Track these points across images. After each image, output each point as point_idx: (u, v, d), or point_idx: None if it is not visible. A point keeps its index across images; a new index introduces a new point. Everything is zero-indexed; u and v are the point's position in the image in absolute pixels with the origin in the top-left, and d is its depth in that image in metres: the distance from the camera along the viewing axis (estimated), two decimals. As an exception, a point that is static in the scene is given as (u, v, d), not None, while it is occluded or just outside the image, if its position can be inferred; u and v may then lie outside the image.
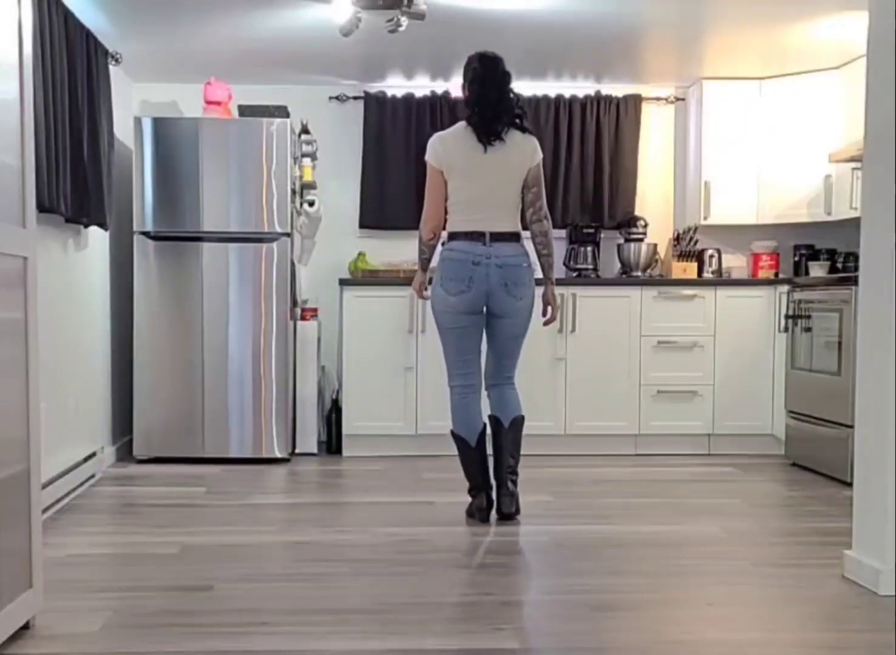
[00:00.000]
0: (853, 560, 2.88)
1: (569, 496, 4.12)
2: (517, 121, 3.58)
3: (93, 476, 4.35)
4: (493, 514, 3.64)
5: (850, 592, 2.77)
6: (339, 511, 3.89)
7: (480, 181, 3.54)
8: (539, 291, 3.71)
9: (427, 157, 3.63)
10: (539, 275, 3.71)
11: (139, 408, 4.85)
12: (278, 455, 4.88)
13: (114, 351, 4.92)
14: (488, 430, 3.70)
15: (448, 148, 3.58)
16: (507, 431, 3.66)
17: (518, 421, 3.69)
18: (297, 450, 5.09)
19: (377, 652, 2.29)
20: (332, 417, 5.24)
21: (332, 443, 5.22)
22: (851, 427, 3.46)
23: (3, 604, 2.20)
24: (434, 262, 3.73)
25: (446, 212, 3.63)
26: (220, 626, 2.45)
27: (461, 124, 3.62)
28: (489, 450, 3.68)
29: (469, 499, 3.69)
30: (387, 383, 5.10)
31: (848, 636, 2.44)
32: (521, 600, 2.71)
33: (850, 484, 3.59)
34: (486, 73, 3.54)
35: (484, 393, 3.72)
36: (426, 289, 3.78)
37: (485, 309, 3.61)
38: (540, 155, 3.62)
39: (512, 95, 3.59)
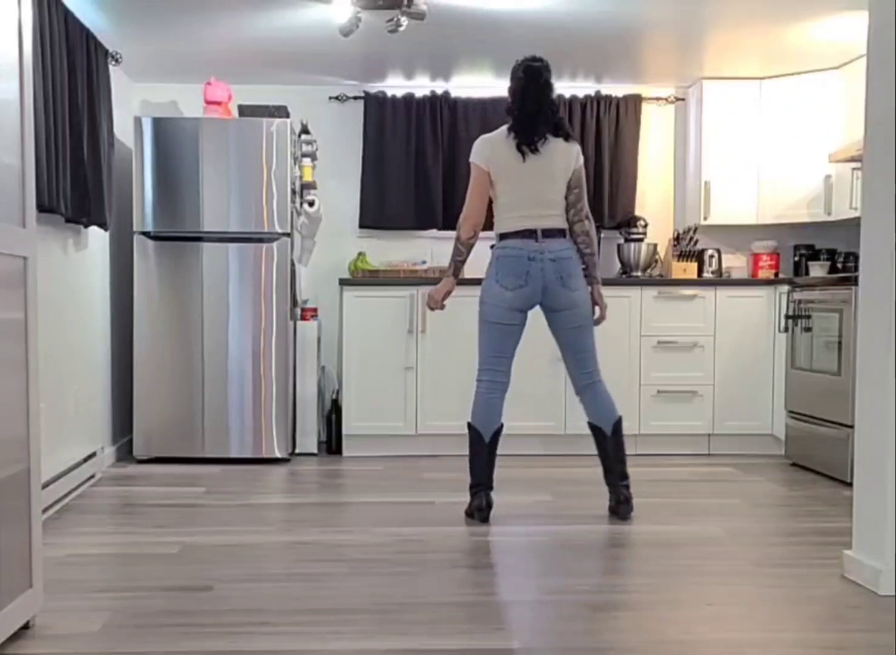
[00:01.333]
0: (853, 560, 2.88)
1: (569, 496, 4.12)
2: (558, 130, 3.68)
3: (93, 476, 4.35)
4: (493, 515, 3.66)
5: (850, 592, 2.78)
6: (339, 511, 3.89)
7: (525, 185, 3.65)
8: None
9: (473, 158, 3.71)
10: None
11: (139, 408, 4.85)
12: (278, 455, 4.88)
13: (114, 351, 4.92)
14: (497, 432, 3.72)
15: (494, 151, 3.68)
16: (610, 439, 3.72)
17: (618, 426, 3.74)
18: (297, 450, 5.09)
19: (377, 652, 2.29)
20: (332, 417, 5.24)
21: (332, 443, 5.22)
22: (851, 427, 3.46)
23: (3, 604, 2.20)
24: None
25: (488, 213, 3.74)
26: (220, 626, 2.45)
27: (504, 129, 3.71)
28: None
29: (468, 499, 3.69)
30: (387, 383, 5.10)
31: (848, 636, 2.44)
32: (521, 600, 2.71)
33: (850, 484, 3.59)
34: (528, 84, 3.65)
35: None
36: (441, 300, 3.82)
37: (539, 307, 3.70)
38: (582, 158, 3.74)
39: (552, 105, 3.70)
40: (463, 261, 3.77)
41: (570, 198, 3.70)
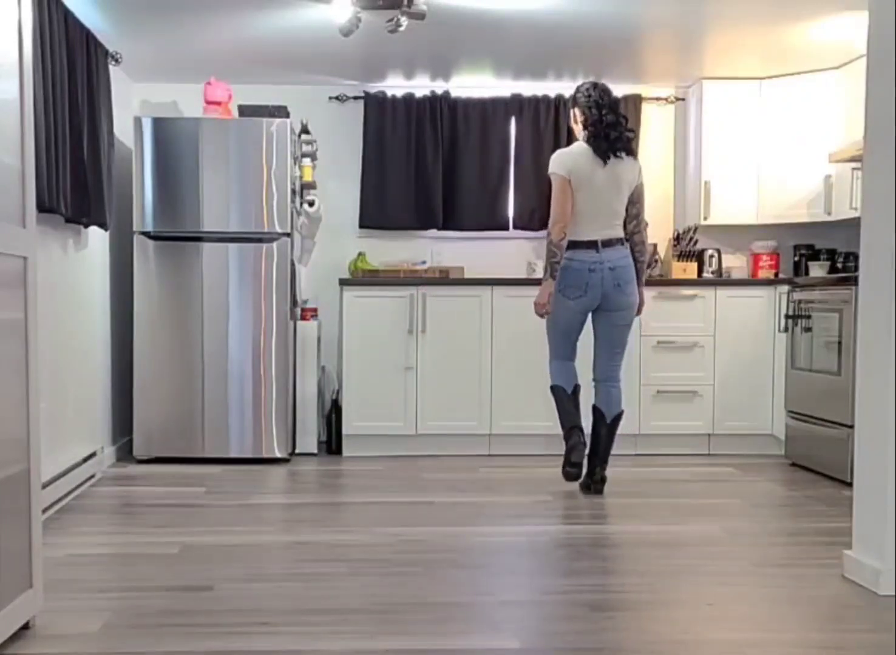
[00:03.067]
0: (853, 560, 2.88)
1: (569, 496, 4.12)
2: (629, 142, 4.08)
3: (93, 476, 4.35)
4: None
5: (850, 592, 2.78)
6: (339, 511, 3.89)
7: (597, 194, 4.01)
8: None
9: (556, 169, 4.02)
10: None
11: (139, 408, 4.85)
12: (278, 455, 4.88)
13: (114, 351, 4.92)
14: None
15: (575, 163, 4.01)
16: (608, 425, 4.16)
17: (618, 417, 4.20)
18: (297, 450, 5.09)
19: (377, 652, 2.29)
20: (332, 417, 5.24)
21: (332, 443, 5.22)
22: (851, 427, 3.46)
23: (3, 604, 2.20)
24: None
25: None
26: (220, 626, 2.45)
27: (580, 144, 4.07)
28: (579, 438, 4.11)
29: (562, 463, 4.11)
30: (387, 383, 5.10)
31: (848, 636, 2.44)
32: (521, 600, 2.71)
33: (850, 484, 3.59)
34: (602, 99, 4.03)
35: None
36: (548, 302, 4.08)
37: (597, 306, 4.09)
38: (643, 175, 4.15)
39: (627, 120, 4.15)
40: (558, 262, 4.03)
41: (632, 211, 4.11)
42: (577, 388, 4.17)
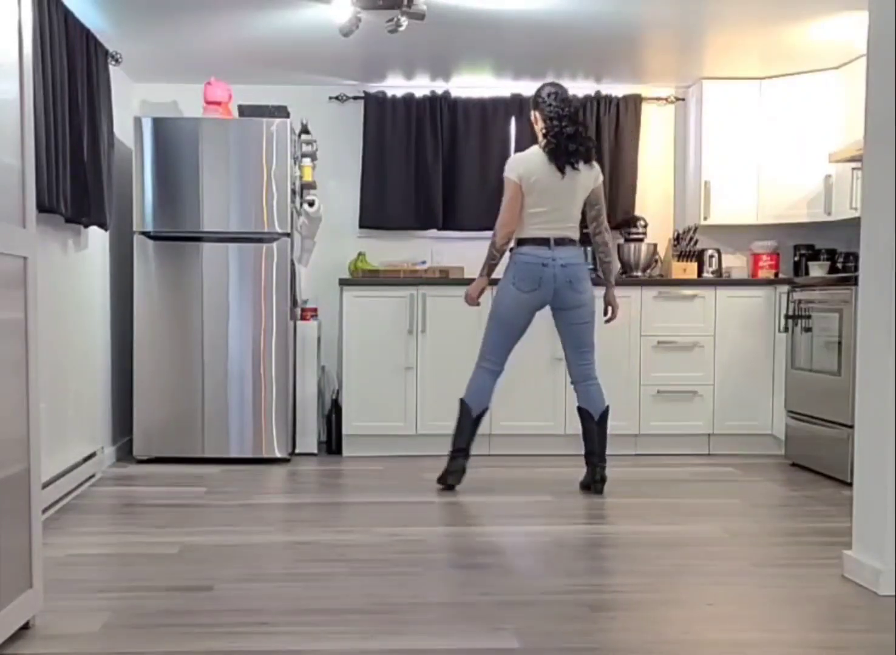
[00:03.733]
0: (853, 560, 2.88)
1: (569, 496, 4.12)
2: (587, 151, 4.09)
3: (93, 476, 4.35)
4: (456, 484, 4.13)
5: (850, 592, 2.78)
6: (339, 511, 3.89)
7: (554, 200, 4.06)
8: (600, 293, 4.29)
9: (508, 174, 4.09)
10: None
11: (139, 408, 4.85)
12: (278, 455, 4.88)
13: (114, 351, 4.92)
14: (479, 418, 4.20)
15: (528, 169, 4.06)
16: (597, 423, 4.18)
17: (605, 413, 4.21)
18: (297, 450, 5.09)
19: (377, 652, 2.29)
20: (332, 417, 5.24)
21: (332, 443, 5.22)
22: (851, 427, 3.46)
23: (3, 604, 2.20)
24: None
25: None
26: (220, 626, 2.45)
27: (536, 149, 4.10)
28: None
29: (444, 485, 4.16)
30: (387, 383, 5.10)
31: (848, 636, 2.44)
32: (521, 600, 2.71)
33: (850, 484, 3.59)
34: (562, 109, 4.06)
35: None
36: (477, 297, 4.24)
37: (549, 307, 4.15)
38: (601, 177, 4.19)
39: (587, 129, 4.24)
40: (496, 264, 4.17)
41: (592, 214, 4.18)
42: (483, 413, 4.19)
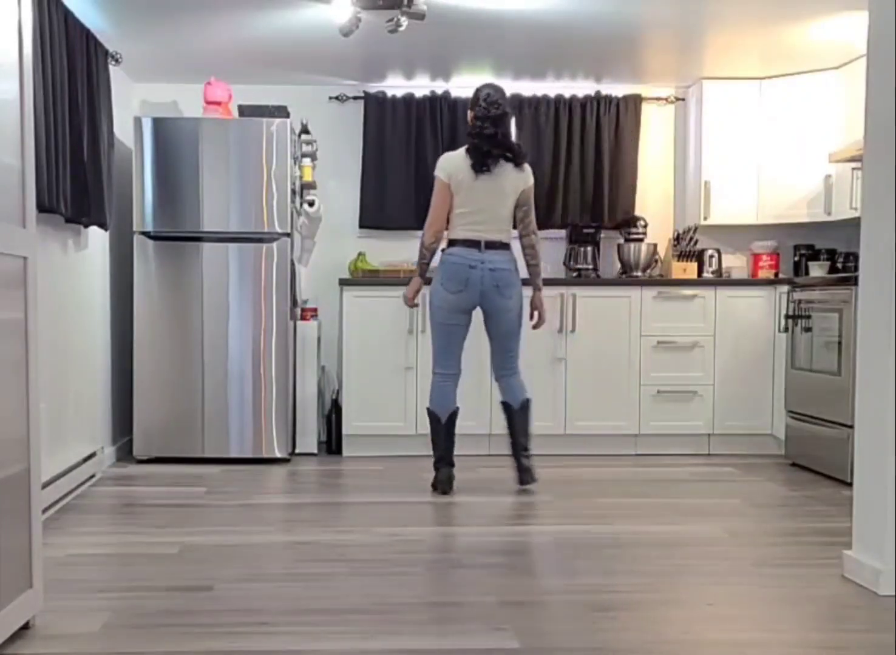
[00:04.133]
0: (853, 560, 2.88)
1: (569, 496, 4.12)
2: (509, 155, 4.05)
3: (93, 476, 4.35)
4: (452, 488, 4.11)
5: (850, 592, 2.78)
6: (339, 511, 3.89)
7: (478, 199, 4.05)
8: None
9: (437, 172, 4.10)
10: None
11: (139, 408, 4.85)
12: (278, 455, 4.88)
13: (114, 351, 4.92)
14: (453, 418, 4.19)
15: (455, 168, 4.06)
16: (518, 412, 4.16)
17: (526, 404, 4.18)
18: (297, 450, 5.09)
19: (377, 652, 2.29)
20: (332, 417, 5.24)
21: (332, 443, 5.22)
22: (851, 427, 3.46)
23: (3, 604, 2.20)
24: (433, 266, 4.19)
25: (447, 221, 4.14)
26: (220, 626, 2.45)
27: (463, 149, 4.10)
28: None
29: (444, 493, 4.11)
30: (387, 383, 5.10)
31: (848, 636, 2.44)
32: (521, 600, 2.71)
33: (850, 484, 3.59)
34: (488, 113, 4.03)
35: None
36: (415, 297, 4.24)
37: (479, 308, 4.12)
38: (532, 180, 4.16)
39: (508, 133, 4.11)
40: (427, 263, 4.17)
41: (519, 215, 4.14)
42: (454, 415, 4.17)
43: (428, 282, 4.21)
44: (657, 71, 5.37)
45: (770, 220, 5.42)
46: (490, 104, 4.04)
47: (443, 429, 4.16)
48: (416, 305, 4.30)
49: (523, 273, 4.17)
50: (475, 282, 4.03)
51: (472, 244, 4.04)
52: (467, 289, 4.04)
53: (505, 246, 4.09)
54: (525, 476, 4.14)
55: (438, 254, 4.14)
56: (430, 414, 4.19)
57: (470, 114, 4.15)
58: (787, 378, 4.98)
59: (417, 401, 5.09)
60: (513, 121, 4.17)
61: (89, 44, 4.13)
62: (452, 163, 4.07)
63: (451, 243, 4.09)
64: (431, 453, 4.22)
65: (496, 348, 4.19)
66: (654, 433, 5.19)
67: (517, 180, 4.08)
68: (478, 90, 4.12)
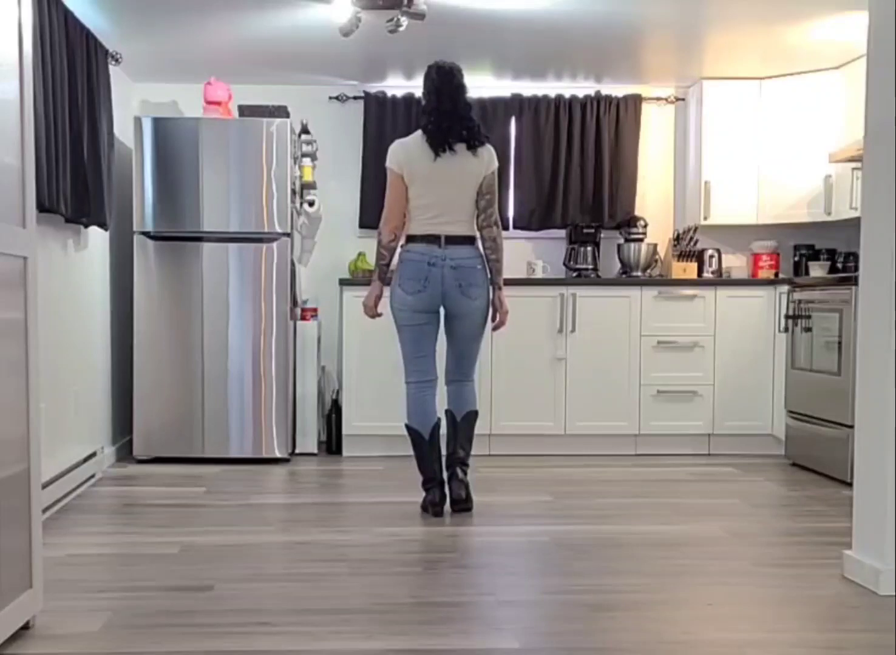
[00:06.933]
0: (853, 560, 2.88)
1: (569, 496, 4.12)
2: (467, 133, 3.67)
3: (93, 476, 4.35)
4: (447, 508, 3.78)
5: (850, 592, 2.78)
6: (339, 511, 3.89)
7: (435, 188, 3.66)
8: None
9: (388, 163, 3.71)
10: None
11: (139, 408, 4.85)
12: (278, 455, 4.88)
13: (114, 351, 4.92)
14: (443, 427, 3.82)
15: (408, 155, 3.68)
16: (460, 423, 3.80)
17: (470, 416, 3.83)
18: (297, 450, 5.09)
19: (377, 652, 2.29)
20: (332, 417, 5.24)
21: (332, 443, 5.22)
22: (851, 427, 3.46)
23: (3, 604, 2.20)
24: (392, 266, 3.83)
25: (405, 216, 3.76)
26: (220, 626, 2.45)
27: (419, 132, 3.72)
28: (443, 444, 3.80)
29: (423, 495, 3.80)
30: (387, 383, 5.09)
31: (848, 636, 2.44)
32: (521, 600, 2.71)
33: (850, 484, 3.59)
34: (442, 85, 3.67)
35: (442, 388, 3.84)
36: (376, 305, 3.83)
37: (441, 309, 3.74)
38: (495, 164, 3.75)
39: (468, 107, 3.71)
40: (387, 265, 3.79)
41: (481, 204, 3.73)
42: (436, 428, 3.74)
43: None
44: (657, 71, 5.37)
45: (770, 220, 5.42)
46: (445, 75, 3.68)
47: (426, 446, 3.73)
48: (380, 315, 3.83)
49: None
50: (436, 281, 3.63)
51: (432, 239, 3.64)
52: (427, 289, 3.64)
53: (468, 240, 3.70)
54: (457, 487, 3.72)
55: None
56: (411, 431, 3.75)
57: (423, 91, 3.77)
58: (787, 378, 4.98)
59: (417, 401, 5.08)
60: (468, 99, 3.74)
61: (89, 44, 4.13)
62: (405, 151, 3.67)
63: (409, 239, 3.70)
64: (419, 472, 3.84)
65: (453, 352, 3.81)
66: (654, 433, 5.19)
67: (478, 165, 3.67)
68: (429, 65, 3.75)
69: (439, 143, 3.63)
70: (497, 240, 3.76)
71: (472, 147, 3.67)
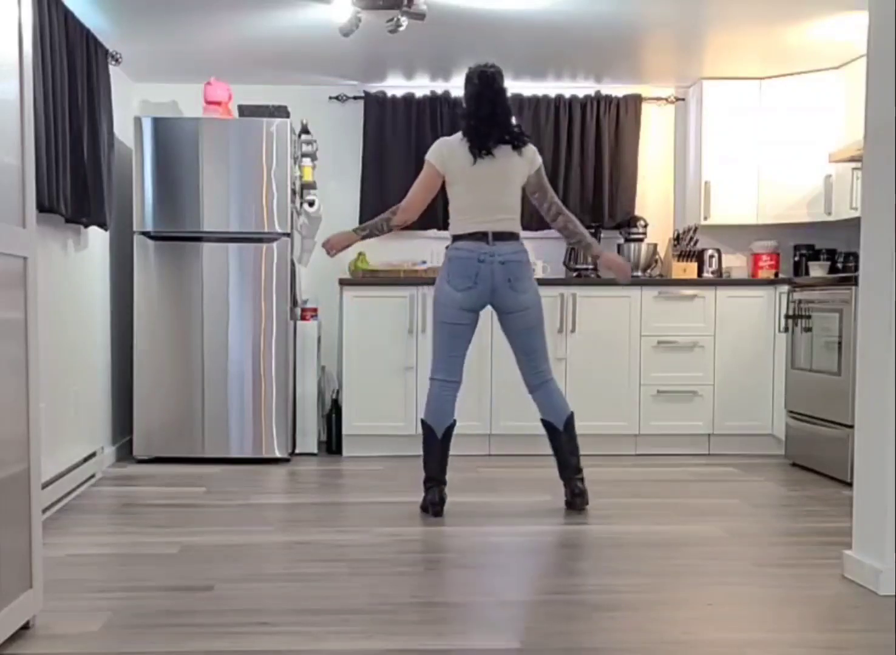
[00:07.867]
0: (853, 560, 2.88)
1: (569, 496, 4.12)
2: (509, 136, 3.71)
3: (93, 476, 4.35)
4: (445, 509, 3.77)
5: (850, 592, 2.78)
6: (339, 511, 3.89)
7: (477, 189, 3.71)
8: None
9: (429, 157, 3.77)
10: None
11: (139, 408, 4.85)
12: (278, 455, 4.88)
13: (114, 351, 4.92)
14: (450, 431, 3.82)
15: (451, 154, 3.73)
16: (563, 434, 3.82)
17: (570, 421, 3.84)
18: (297, 450, 5.09)
19: (377, 652, 2.29)
20: (332, 417, 5.24)
21: (332, 443, 5.22)
22: (851, 427, 3.46)
23: (3, 604, 2.20)
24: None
25: (426, 211, 3.88)
26: (220, 626, 2.45)
27: (460, 133, 3.77)
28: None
29: (431, 497, 3.77)
30: (387, 383, 5.10)
31: (848, 636, 2.44)
32: (521, 600, 2.71)
33: (850, 484, 3.60)
34: (483, 90, 3.70)
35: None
36: (338, 250, 3.85)
37: (490, 307, 3.77)
38: (539, 160, 3.80)
39: (507, 111, 3.77)
40: (375, 235, 3.87)
41: (545, 204, 3.82)
42: (450, 429, 3.78)
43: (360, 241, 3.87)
44: (657, 71, 5.37)
45: (770, 220, 5.42)
46: (486, 82, 3.70)
47: (437, 445, 3.76)
48: (332, 256, 3.91)
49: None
50: (486, 278, 3.67)
51: (480, 236, 3.68)
52: (477, 286, 3.67)
53: (514, 236, 3.74)
54: (578, 501, 3.80)
55: (442, 251, 3.86)
56: (425, 427, 3.79)
57: (463, 94, 3.79)
58: (787, 378, 4.98)
59: (417, 401, 5.08)
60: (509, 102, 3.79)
61: (89, 44, 4.13)
62: (449, 149, 3.72)
63: (457, 238, 3.73)
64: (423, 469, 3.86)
65: (519, 349, 3.81)
66: (654, 433, 5.19)
67: (521, 165, 3.73)
68: (470, 69, 3.76)
69: (478, 148, 3.68)
70: (569, 226, 3.84)
71: (517, 147, 3.72)
